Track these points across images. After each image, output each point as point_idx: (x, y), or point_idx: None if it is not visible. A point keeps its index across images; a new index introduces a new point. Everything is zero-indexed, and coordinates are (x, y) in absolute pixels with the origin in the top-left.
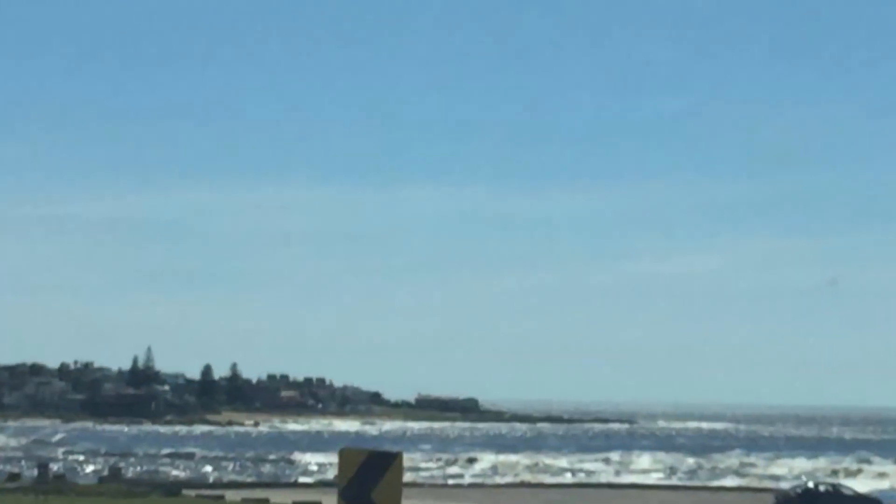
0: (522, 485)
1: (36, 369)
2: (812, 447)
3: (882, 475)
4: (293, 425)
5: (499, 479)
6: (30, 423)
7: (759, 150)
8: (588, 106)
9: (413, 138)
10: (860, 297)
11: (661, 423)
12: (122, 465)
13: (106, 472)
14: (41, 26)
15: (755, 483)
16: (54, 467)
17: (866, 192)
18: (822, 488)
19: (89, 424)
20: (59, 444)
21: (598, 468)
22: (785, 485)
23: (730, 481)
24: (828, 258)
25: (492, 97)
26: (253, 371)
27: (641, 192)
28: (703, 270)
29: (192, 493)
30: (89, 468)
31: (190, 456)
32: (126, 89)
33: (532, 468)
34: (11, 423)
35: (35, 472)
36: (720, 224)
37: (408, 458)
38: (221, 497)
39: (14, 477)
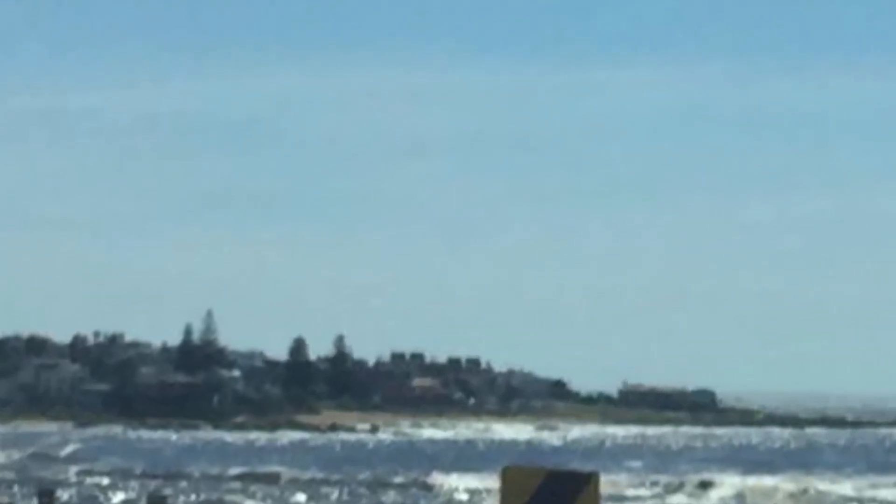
0: None
1: (36, 345)
2: None
3: None
4: (430, 431)
5: None
6: (27, 426)
7: None
8: None
9: None
10: None
11: None
12: (168, 491)
13: (143, 503)
14: None
15: None
16: (64, 495)
17: None
18: None
19: (118, 429)
20: (72, 459)
21: None
22: None
23: None
24: None
25: None
26: (369, 349)
27: None
28: None
29: None
30: (118, 497)
31: (273, 478)
32: None
33: (798, 497)
34: (0, 428)
35: (35, 501)
36: None
37: (607, 481)
38: None
39: None
